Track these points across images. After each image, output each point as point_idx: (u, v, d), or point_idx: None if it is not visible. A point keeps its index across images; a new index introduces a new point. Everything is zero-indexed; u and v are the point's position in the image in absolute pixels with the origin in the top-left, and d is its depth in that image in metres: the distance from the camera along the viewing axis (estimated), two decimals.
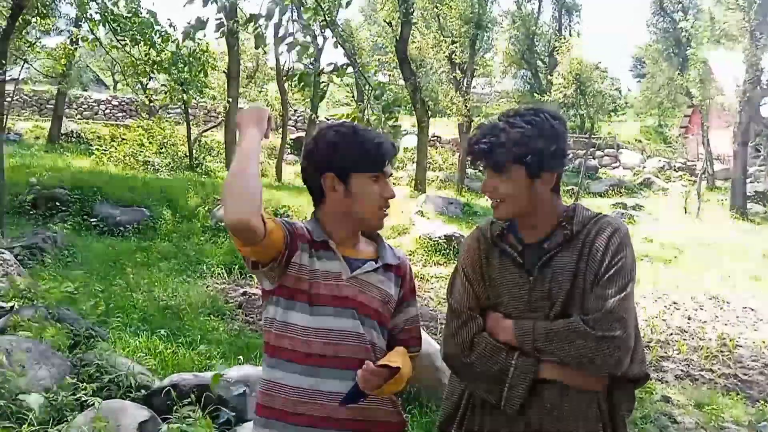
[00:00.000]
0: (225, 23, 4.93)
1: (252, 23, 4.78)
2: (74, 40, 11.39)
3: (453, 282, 1.98)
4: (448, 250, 10.76)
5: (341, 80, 4.76)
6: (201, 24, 4.75)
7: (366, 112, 4.98)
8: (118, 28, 10.05)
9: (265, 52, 24.65)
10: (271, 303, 1.85)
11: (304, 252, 1.83)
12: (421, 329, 2.09)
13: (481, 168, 1.86)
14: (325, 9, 5.20)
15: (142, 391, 3.92)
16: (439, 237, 10.97)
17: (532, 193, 1.82)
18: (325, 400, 1.78)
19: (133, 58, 10.89)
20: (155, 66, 10.54)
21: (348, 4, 5.72)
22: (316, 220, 1.91)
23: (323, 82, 4.75)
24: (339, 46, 5.64)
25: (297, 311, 1.81)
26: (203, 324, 5.99)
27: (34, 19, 10.87)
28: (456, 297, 1.93)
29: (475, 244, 1.95)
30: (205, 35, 5.30)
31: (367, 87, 5.36)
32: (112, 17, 10.05)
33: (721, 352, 7.11)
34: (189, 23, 4.84)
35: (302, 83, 4.71)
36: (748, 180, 21.53)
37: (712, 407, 5.37)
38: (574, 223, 1.84)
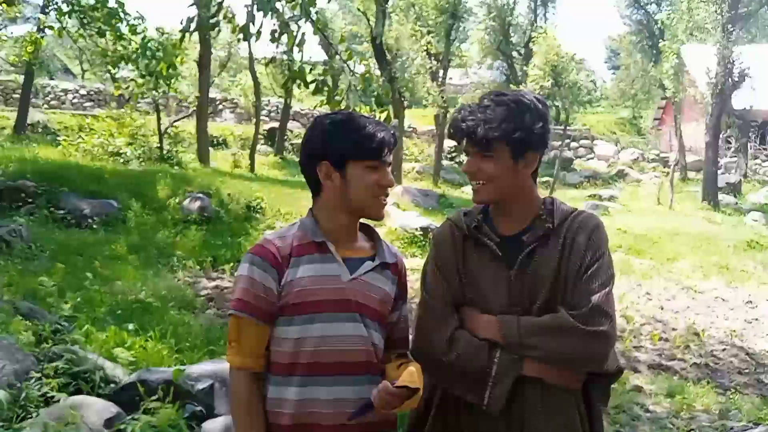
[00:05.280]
0: (202, 18, 4.83)
1: (228, 18, 4.68)
2: (41, 27, 11.10)
3: (426, 276, 1.90)
4: (424, 242, 10.72)
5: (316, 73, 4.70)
6: (207, 22, 4.64)
7: (345, 99, 4.91)
8: (85, 19, 9.81)
9: (239, 41, 24.31)
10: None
11: (288, 269, 1.75)
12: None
13: (464, 149, 1.79)
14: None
15: (111, 386, 3.84)
16: (415, 229, 10.94)
17: (514, 176, 1.77)
18: (331, 407, 1.72)
19: (102, 48, 10.65)
20: (123, 58, 10.31)
21: None
22: (313, 217, 1.83)
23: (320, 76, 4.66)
24: (319, 32, 5.55)
25: (298, 323, 1.74)
26: (173, 318, 5.88)
27: (0, 7, 10.57)
28: (430, 292, 1.85)
29: (448, 237, 1.86)
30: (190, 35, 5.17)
31: (350, 75, 5.28)
32: (79, 7, 9.79)
33: (693, 341, 7.18)
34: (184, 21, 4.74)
35: (297, 80, 4.61)
36: (719, 171, 21.84)
37: (684, 396, 5.42)
38: (554, 216, 1.79)
